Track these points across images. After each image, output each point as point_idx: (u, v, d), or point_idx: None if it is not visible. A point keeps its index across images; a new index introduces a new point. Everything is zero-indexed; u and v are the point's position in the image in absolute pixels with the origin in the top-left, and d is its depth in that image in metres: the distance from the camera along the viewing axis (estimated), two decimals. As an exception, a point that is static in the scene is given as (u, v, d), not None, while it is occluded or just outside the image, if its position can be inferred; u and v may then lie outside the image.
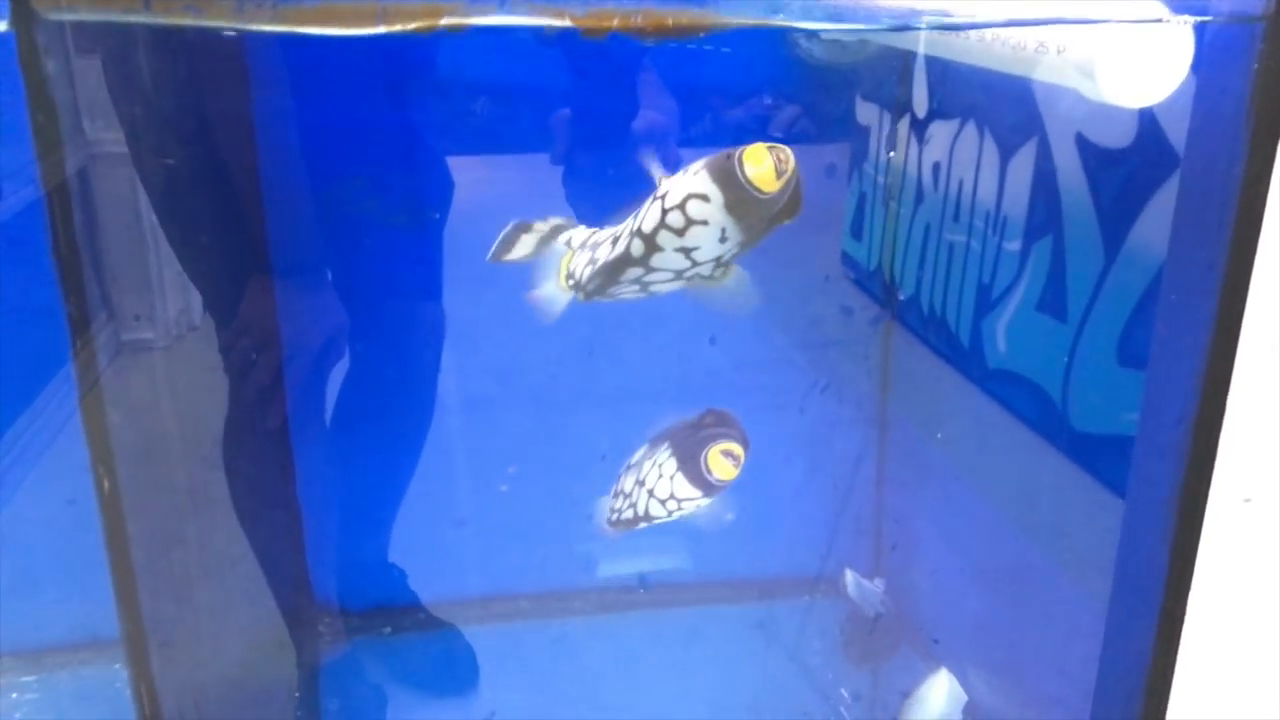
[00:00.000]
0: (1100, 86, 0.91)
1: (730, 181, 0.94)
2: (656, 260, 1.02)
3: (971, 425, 1.79)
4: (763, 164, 0.93)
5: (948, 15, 0.85)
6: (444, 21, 0.84)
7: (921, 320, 1.94)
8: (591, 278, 1.08)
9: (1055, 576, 1.56)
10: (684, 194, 0.97)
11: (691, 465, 1.21)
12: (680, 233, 0.99)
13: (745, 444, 1.22)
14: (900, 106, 1.95)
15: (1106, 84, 0.90)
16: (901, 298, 2.02)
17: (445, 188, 1.65)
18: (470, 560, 1.95)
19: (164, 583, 1.50)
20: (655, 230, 1.00)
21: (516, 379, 1.94)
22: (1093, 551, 1.48)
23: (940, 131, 1.83)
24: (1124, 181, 1.41)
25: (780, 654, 1.83)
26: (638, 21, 0.84)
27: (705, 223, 0.98)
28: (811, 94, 1.74)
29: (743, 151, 0.93)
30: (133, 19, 0.80)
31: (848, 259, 2.16)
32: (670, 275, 1.05)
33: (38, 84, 0.89)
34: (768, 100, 1.68)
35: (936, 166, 1.86)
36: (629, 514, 1.30)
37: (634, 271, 1.05)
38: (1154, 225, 1.35)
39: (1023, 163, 1.60)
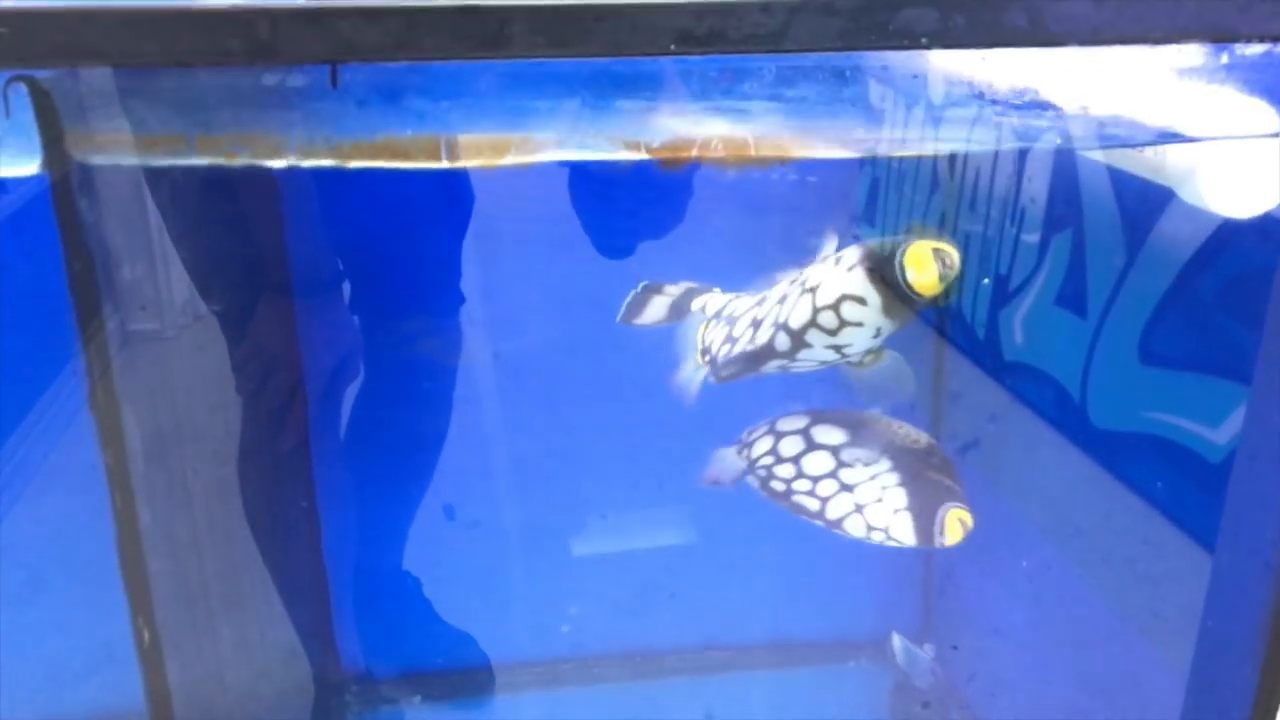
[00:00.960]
0: (1205, 196, 0.85)
1: (891, 286, 0.89)
2: (803, 355, 0.98)
3: (1035, 460, 1.73)
4: (928, 270, 0.87)
5: (1067, 134, 0.80)
6: (508, 160, 0.78)
7: (937, 312, 1.89)
8: (728, 364, 1.02)
9: (1131, 632, 1.50)
10: (838, 294, 0.92)
11: (925, 517, 1.12)
12: (833, 333, 0.94)
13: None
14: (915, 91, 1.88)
15: (1212, 194, 0.85)
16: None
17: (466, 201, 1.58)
18: (509, 621, 1.89)
19: (183, 622, 1.46)
20: (804, 328, 0.95)
21: (555, 426, 1.87)
22: (1168, 595, 1.44)
23: (956, 118, 1.77)
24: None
25: (825, 722, 1.77)
26: (718, 151, 0.78)
27: (860, 324, 0.93)
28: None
29: (905, 252, 0.87)
30: (180, 162, 0.75)
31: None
32: (815, 364, 1.01)
33: (71, 226, 0.84)
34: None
35: (952, 156, 1.81)
36: (812, 505, 1.17)
37: (777, 363, 1.00)
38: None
39: (1043, 153, 1.55)
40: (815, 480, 1.17)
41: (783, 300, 0.98)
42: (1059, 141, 0.81)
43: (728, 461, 1.27)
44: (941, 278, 0.87)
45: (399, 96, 0.76)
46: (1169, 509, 1.47)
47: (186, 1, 0.69)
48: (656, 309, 1.16)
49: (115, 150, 0.77)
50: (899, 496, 1.13)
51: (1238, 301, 1.34)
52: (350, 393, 1.58)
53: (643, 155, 0.78)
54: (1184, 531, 1.43)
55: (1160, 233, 1.40)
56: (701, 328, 1.10)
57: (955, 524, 1.11)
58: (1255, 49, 0.78)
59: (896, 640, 1.70)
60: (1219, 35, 0.76)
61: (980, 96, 0.84)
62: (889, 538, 1.13)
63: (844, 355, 0.97)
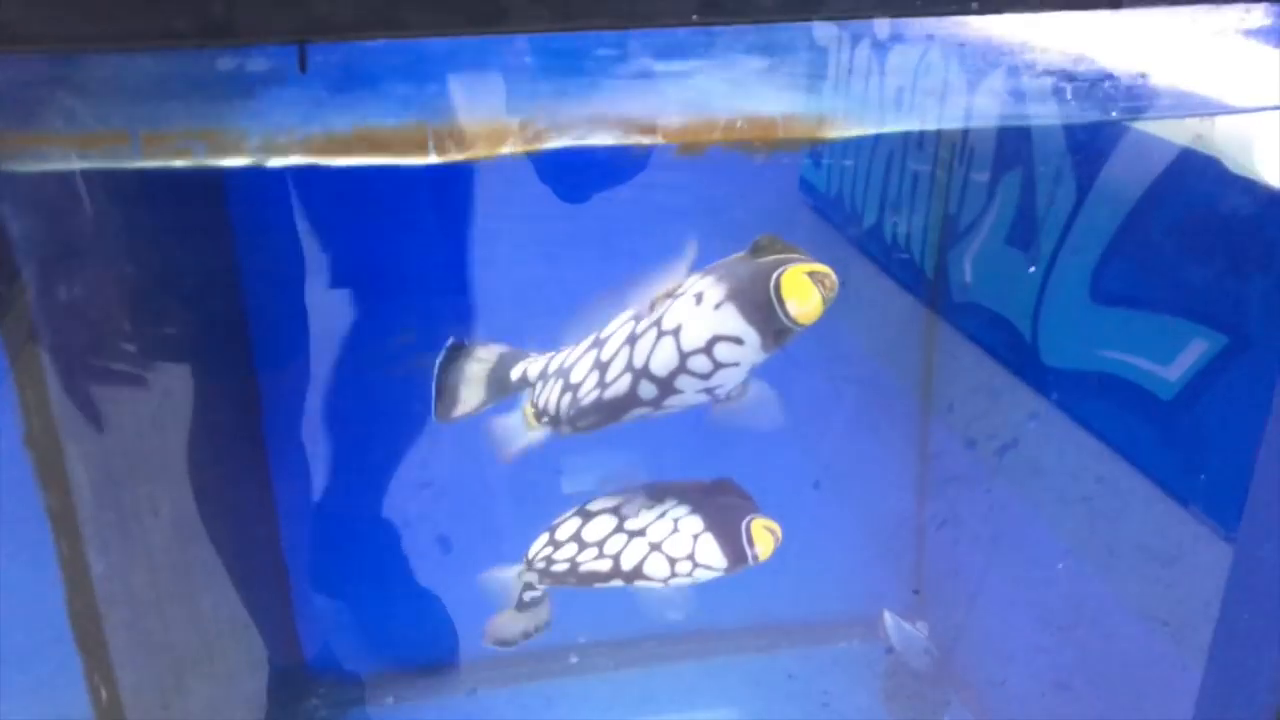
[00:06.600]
0: (1260, 167, 0.78)
1: (770, 322, 0.80)
2: (672, 401, 0.89)
3: (1029, 430, 1.69)
4: (810, 299, 0.79)
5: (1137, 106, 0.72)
6: (507, 149, 0.68)
7: (884, 251, 1.85)
8: (583, 414, 0.92)
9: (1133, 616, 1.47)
10: (709, 336, 0.83)
11: (729, 533, 1.05)
12: (707, 377, 0.85)
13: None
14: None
15: (1269, 165, 0.78)
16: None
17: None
18: (475, 614, 1.80)
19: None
20: (673, 375, 0.86)
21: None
22: (1183, 584, 1.41)
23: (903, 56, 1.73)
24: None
25: (815, 708, 1.71)
26: (742, 133, 0.69)
27: (737, 364, 0.84)
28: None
29: (781, 282, 0.78)
30: (138, 165, 0.64)
31: (805, 185, 2.05)
32: (685, 407, 0.92)
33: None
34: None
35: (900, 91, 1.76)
36: (604, 567, 1.11)
37: (641, 411, 0.90)
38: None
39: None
40: (599, 545, 1.10)
41: (633, 341, 0.88)
42: (1101, 114, 0.74)
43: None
44: (825, 302, 0.79)
45: (378, 80, 0.66)
46: (1122, 446, 1.45)
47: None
48: (473, 390, 1.03)
49: (42, 151, 0.66)
50: (695, 522, 1.06)
51: (1190, 239, 1.30)
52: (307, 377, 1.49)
53: (657, 139, 0.69)
54: (1137, 468, 1.42)
55: (1111, 171, 1.35)
56: (528, 401, 1.00)
57: (763, 533, 1.04)
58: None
59: (888, 618, 1.65)
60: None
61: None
62: (696, 565, 1.06)
63: (717, 397, 0.90)
